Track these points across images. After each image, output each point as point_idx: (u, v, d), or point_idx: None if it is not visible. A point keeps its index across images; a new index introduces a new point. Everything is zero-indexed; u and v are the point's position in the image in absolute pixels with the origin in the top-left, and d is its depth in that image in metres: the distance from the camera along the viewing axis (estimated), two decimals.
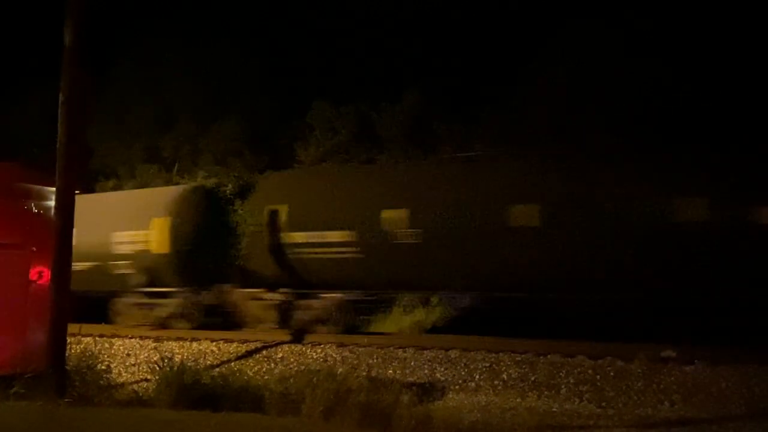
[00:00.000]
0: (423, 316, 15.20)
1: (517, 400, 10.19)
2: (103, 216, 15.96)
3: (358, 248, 13.17)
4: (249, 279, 14.72)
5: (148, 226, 15.28)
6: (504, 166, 13.02)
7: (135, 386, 10.17)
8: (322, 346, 12.53)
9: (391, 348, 12.08)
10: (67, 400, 8.16)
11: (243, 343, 13.09)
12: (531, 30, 20.96)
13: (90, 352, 9.54)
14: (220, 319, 15.26)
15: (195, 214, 15.11)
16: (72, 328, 9.15)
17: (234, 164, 23.07)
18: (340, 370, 10.30)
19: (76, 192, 9.11)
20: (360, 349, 12.20)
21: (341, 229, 13.34)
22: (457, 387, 10.75)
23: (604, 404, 9.75)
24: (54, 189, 8.97)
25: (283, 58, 25.44)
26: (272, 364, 12.10)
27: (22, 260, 9.49)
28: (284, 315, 14.28)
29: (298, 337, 13.11)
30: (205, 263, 14.94)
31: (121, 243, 15.60)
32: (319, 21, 25.64)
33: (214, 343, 13.21)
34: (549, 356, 11.02)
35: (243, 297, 14.89)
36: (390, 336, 13.01)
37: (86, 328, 14.04)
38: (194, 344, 13.25)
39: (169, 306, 15.30)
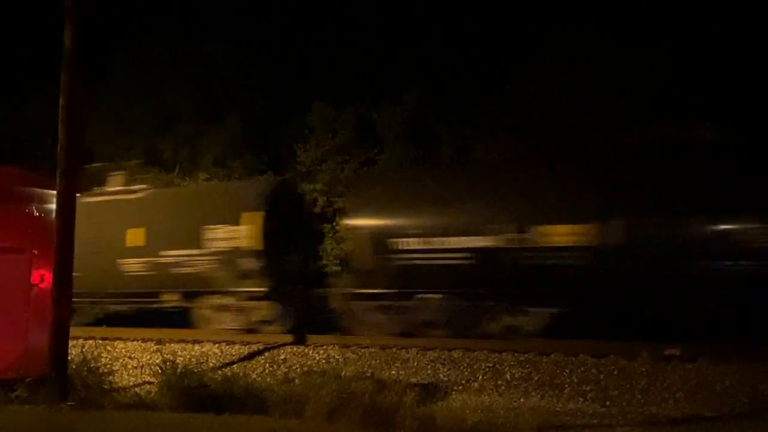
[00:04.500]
0: None
1: (521, 399, 10.18)
2: None
3: None
4: None
5: None
6: None
7: (137, 389, 10.14)
8: (324, 347, 12.51)
9: (394, 349, 12.07)
10: (69, 403, 8.16)
11: (245, 345, 13.07)
12: (531, 30, 20.99)
13: (92, 355, 9.53)
14: None
15: None
16: (74, 330, 9.14)
17: (234, 166, 23.05)
18: (343, 371, 10.28)
19: (77, 195, 9.11)
20: (362, 351, 12.19)
21: None
22: (460, 387, 10.73)
23: (607, 403, 9.72)
24: (55, 192, 8.95)
25: (283, 59, 25.49)
26: (275, 366, 12.08)
27: (24, 264, 9.47)
28: None
29: (300, 339, 13.09)
30: None
31: None
32: (318, 21, 25.69)
33: (217, 345, 13.20)
34: (552, 356, 11.01)
35: None
36: (393, 337, 12.97)
37: (88, 330, 14.14)
38: (196, 346, 13.22)
39: None
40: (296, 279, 14.90)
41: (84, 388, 8.66)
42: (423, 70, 22.45)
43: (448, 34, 23.35)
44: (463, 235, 12.53)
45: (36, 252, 9.54)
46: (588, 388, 10.11)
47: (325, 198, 20.24)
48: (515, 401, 10.10)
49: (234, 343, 13.23)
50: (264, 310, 14.19)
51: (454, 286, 12.58)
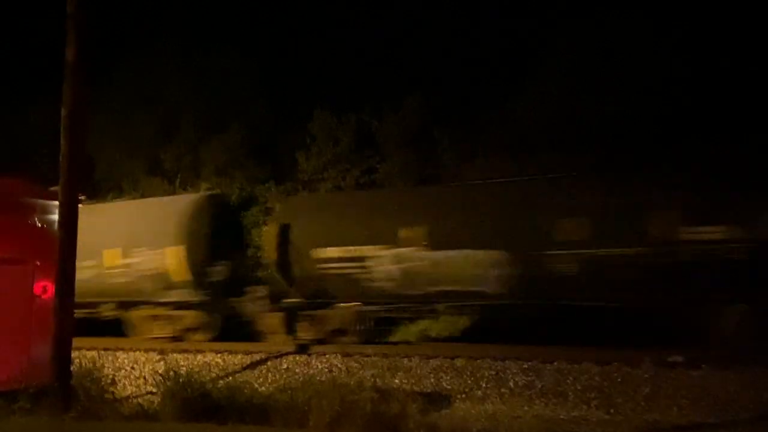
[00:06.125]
0: None
1: (524, 407, 10.14)
2: None
3: None
4: None
5: None
6: None
7: (140, 399, 10.14)
8: (327, 356, 12.47)
9: (397, 357, 12.03)
10: (71, 414, 8.15)
11: (247, 354, 13.04)
12: (532, 36, 21.02)
13: (95, 366, 9.52)
14: None
15: None
16: (77, 341, 9.14)
17: (236, 175, 23.07)
18: (346, 380, 10.24)
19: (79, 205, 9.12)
20: (365, 359, 12.15)
21: None
22: (463, 396, 10.70)
23: (611, 410, 9.70)
24: (57, 203, 8.97)
25: (284, 67, 25.54)
26: (277, 375, 12.06)
27: (26, 275, 9.48)
28: None
29: (302, 348, 13.06)
30: None
31: None
32: (319, 30, 25.78)
33: (219, 355, 13.17)
34: (555, 363, 10.97)
35: None
36: (395, 346, 12.96)
37: (91, 341, 14.13)
38: (199, 356, 13.19)
39: None
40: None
41: (86, 398, 8.65)
42: (423, 77, 22.46)
43: (448, 40, 23.38)
44: None
45: (38, 263, 9.55)
46: (592, 395, 10.08)
47: None
48: (519, 409, 10.07)
49: (236, 352, 13.20)
50: None
51: None
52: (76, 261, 10.44)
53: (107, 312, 15.67)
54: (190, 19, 26.04)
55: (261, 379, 11.88)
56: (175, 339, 14.84)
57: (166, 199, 18.44)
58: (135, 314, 15.51)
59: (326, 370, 12.00)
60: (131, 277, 15.23)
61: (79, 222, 8.75)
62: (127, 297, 15.41)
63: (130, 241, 15.33)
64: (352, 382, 9.82)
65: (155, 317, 15.29)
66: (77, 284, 9.51)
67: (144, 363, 13.17)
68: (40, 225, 9.89)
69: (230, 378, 11.44)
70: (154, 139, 24.61)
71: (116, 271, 15.35)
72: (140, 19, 26.64)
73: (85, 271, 14.40)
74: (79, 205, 9.12)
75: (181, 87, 24.60)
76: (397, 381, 11.25)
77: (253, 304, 14.65)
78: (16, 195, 9.98)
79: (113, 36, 23.90)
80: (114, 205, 19.19)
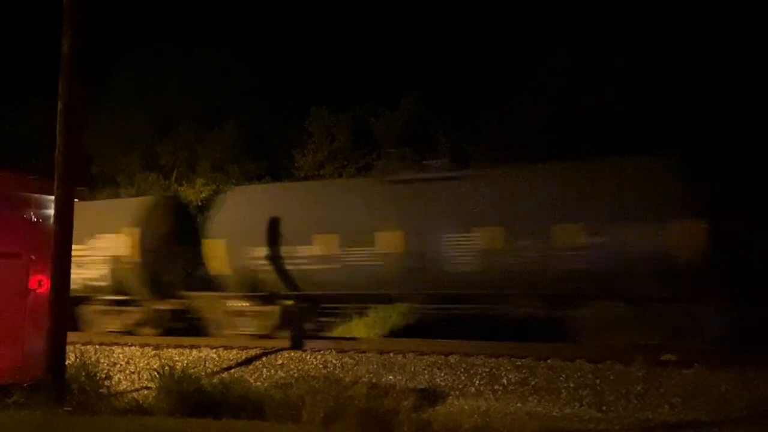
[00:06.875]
0: None
1: (518, 404, 10.18)
2: None
3: None
4: None
5: None
6: None
7: (135, 394, 10.13)
8: (321, 352, 12.51)
9: (391, 353, 12.07)
10: (66, 408, 8.16)
11: (243, 349, 13.07)
12: (532, 36, 21.09)
13: (89, 361, 9.54)
14: None
15: None
16: (71, 336, 9.15)
17: (232, 171, 23.10)
18: (341, 376, 10.28)
19: (75, 200, 9.12)
20: (360, 356, 12.19)
21: None
22: (457, 392, 10.74)
23: (604, 408, 9.74)
24: (53, 197, 8.97)
25: (281, 65, 25.59)
26: (272, 371, 12.08)
27: (21, 269, 9.46)
28: None
29: (297, 344, 13.09)
30: None
31: None
32: (316, 28, 25.81)
33: (214, 350, 13.19)
34: (549, 360, 11.04)
35: None
36: (389, 341, 12.99)
37: (86, 336, 14.15)
38: (194, 351, 13.22)
39: None
40: None
41: (81, 393, 8.65)
42: (421, 76, 22.56)
43: (447, 39, 23.46)
44: None
45: (33, 257, 9.54)
46: (585, 393, 10.13)
47: None
48: (512, 406, 10.11)
49: (232, 348, 13.23)
50: None
51: None
52: (515, 240, 11.51)
53: (528, 308, 12.48)
54: (187, 17, 26.07)
55: (256, 375, 11.90)
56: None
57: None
58: (601, 313, 11.72)
59: (321, 366, 12.03)
60: (600, 263, 11.65)
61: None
62: (589, 288, 11.83)
63: (596, 213, 11.78)
64: (346, 378, 9.89)
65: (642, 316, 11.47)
66: (513, 270, 10.65)
67: (139, 358, 13.18)
68: (35, 219, 9.89)
69: (225, 373, 11.47)
70: (151, 135, 24.62)
71: (576, 253, 11.78)
72: (139, 18, 26.64)
73: (514, 253, 12.17)
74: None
75: (178, 84, 24.60)
76: (391, 377, 11.30)
77: None
78: (10, 189, 9.98)
79: (112, 34, 23.92)
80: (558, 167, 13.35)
